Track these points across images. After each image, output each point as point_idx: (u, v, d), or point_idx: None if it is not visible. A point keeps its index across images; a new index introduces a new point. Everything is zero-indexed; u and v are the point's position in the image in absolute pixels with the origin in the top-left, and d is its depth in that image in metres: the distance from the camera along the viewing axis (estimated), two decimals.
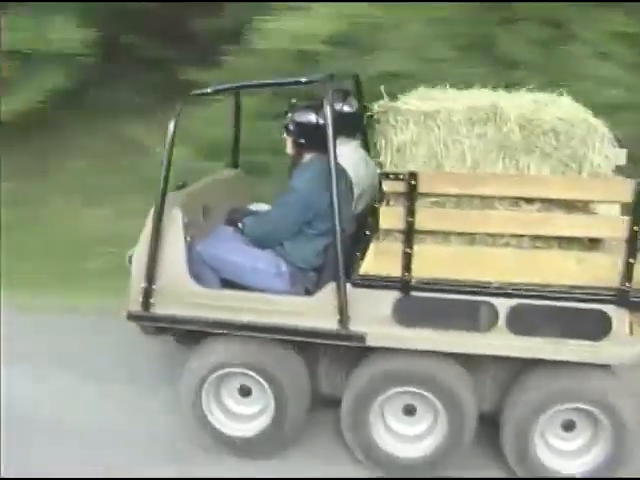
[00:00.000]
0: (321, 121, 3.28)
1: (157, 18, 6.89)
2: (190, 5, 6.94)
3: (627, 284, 2.92)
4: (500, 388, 3.30)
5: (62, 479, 3.19)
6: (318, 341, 3.18)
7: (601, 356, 3.01)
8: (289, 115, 3.38)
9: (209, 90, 3.26)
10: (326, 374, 3.46)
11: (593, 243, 3.03)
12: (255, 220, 3.44)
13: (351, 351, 3.26)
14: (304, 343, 3.28)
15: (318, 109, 3.28)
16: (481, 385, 3.32)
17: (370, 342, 3.12)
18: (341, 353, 3.35)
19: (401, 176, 2.95)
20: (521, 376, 3.21)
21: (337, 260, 3.07)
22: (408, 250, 3.02)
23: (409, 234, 3.00)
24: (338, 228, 3.06)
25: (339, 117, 3.71)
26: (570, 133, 2.90)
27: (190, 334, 3.41)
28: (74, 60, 6.34)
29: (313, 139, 3.31)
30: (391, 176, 2.97)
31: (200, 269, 3.44)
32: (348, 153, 3.71)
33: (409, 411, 3.29)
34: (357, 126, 3.69)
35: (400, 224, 3.00)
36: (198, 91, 3.26)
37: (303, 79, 3.19)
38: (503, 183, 2.94)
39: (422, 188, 2.96)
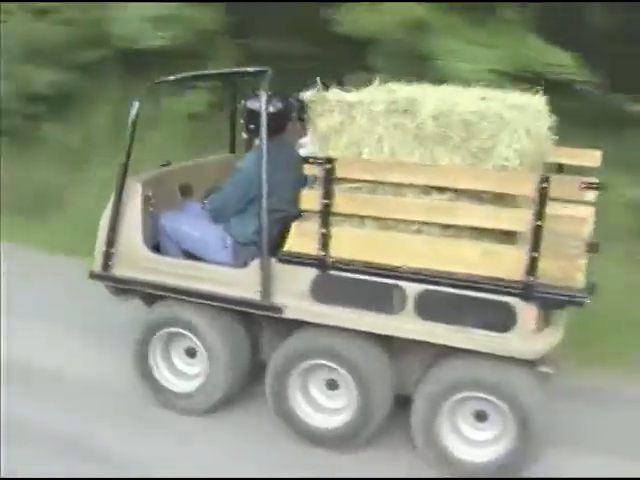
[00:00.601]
0: (270, 109, 3.51)
1: None
2: None
3: (531, 278, 2.95)
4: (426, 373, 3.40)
5: (63, 479, 3.29)
6: (243, 309, 3.45)
7: (504, 348, 3.04)
8: (242, 102, 3.66)
9: (171, 78, 3.62)
10: (268, 344, 3.69)
11: (507, 236, 3.06)
12: (212, 197, 3.75)
13: (289, 324, 3.48)
14: (245, 312, 3.55)
15: (269, 98, 3.52)
16: (408, 369, 3.42)
17: (287, 314, 3.34)
18: (280, 325, 3.57)
19: (319, 160, 3.15)
20: (438, 361, 3.29)
21: (262, 237, 3.32)
22: (324, 231, 3.20)
23: (325, 216, 3.19)
24: (265, 207, 3.31)
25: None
26: (480, 126, 2.97)
27: (149, 296, 3.78)
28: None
29: (261, 126, 3.55)
30: (310, 160, 3.18)
31: (164, 239, 3.82)
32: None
33: (332, 385, 3.47)
34: None
35: (318, 206, 3.20)
36: (162, 79, 3.62)
37: (250, 69, 3.48)
38: (413, 171, 3.06)
39: (339, 173, 3.14)
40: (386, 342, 3.35)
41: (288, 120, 3.70)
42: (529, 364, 3.16)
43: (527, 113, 3.11)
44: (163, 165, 4.08)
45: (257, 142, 3.68)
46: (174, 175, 4.04)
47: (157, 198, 3.80)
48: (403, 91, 3.23)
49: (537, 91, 3.45)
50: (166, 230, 3.78)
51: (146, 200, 3.68)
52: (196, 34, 6.58)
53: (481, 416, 3.25)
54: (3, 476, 3.31)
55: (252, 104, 3.59)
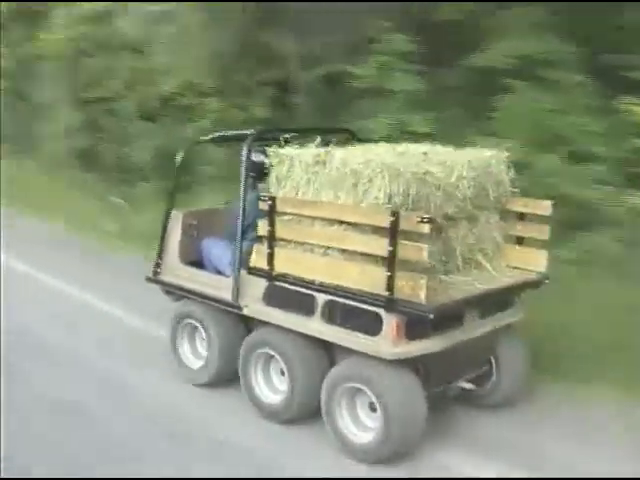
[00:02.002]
0: (266, 161, 4.71)
1: None
2: None
3: (387, 293, 3.71)
4: None
5: (64, 479, 3.57)
6: (222, 307, 4.64)
7: (371, 349, 3.82)
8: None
9: (210, 137, 5.06)
10: None
11: (384, 259, 3.85)
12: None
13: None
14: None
15: (266, 152, 4.72)
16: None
17: (245, 312, 4.48)
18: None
19: (266, 198, 4.27)
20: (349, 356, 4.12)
21: (236, 256, 4.51)
22: (269, 251, 4.29)
23: (270, 240, 4.28)
24: (239, 236, 4.50)
25: None
26: (364, 173, 3.86)
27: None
28: None
29: (260, 174, 4.75)
30: (262, 198, 4.31)
31: (204, 258, 5.20)
32: None
33: (282, 372, 4.47)
34: None
35: (266, 232, 4.31)
36: (202, 139, 5.08)
37: (248, 131, 4.74)
38: (319, 208, 4.04)
39: (278, 208, 4.23)
40: (323, 340, 4.26)
41: None
42: (403, 365, 3.87)
43: (430, 165, 3.94)
44: (225, 203, 5.51)
45: (258, 187, 4.89)
46: (225, 213, 5.41)
47: (205, 227, 5.21)
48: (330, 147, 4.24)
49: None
50: (204, 250, 5.17)
51: (187, 227, 5.11)
52: None
53: (373, 407, 4.00)
54: (3, 476, 3.54)
55: (255, 157, 4.81)
